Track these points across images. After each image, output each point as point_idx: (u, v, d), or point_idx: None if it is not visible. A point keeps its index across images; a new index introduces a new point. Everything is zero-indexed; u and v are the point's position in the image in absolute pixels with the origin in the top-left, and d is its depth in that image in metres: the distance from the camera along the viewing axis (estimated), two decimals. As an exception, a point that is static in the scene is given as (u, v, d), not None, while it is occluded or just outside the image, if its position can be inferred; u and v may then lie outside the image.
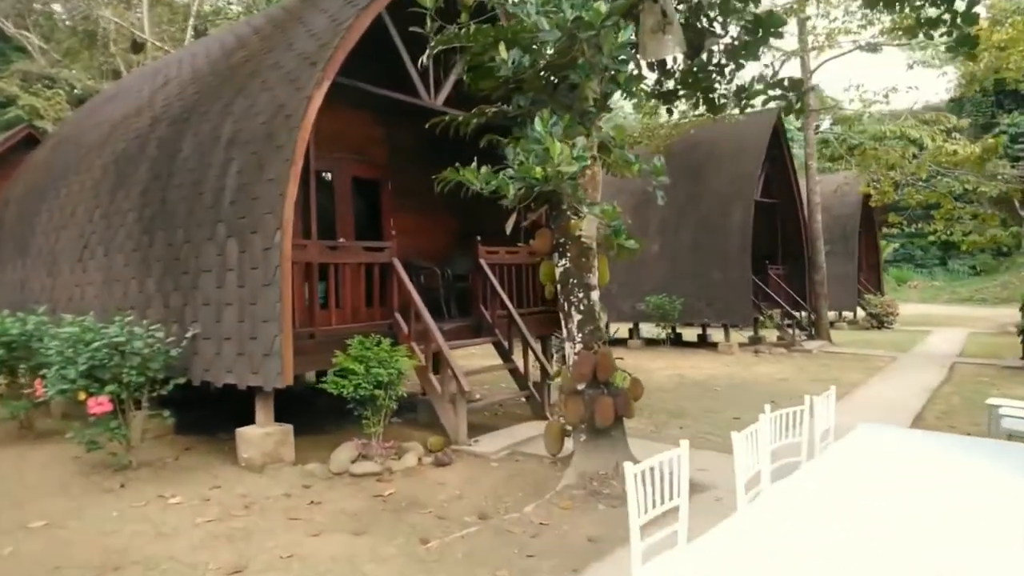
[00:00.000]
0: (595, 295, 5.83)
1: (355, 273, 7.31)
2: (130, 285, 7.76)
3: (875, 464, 3.62)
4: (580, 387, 5.56)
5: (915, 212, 20.56)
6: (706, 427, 8.44)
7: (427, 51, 5.20)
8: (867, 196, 23.00)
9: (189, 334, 6.74)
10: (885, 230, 26.18)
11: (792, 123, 24.87)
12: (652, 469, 2.82)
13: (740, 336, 16.93)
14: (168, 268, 7.23)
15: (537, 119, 4.25)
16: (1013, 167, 18.09)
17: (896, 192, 15.96)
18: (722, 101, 6.77)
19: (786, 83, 6.27)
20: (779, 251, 18.75)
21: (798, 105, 6.24)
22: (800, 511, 2.88)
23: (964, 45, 6.19)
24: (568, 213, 5.73)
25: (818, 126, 19.00)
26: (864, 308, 23.49)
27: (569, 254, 5.80)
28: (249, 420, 6.64)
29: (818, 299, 17.74)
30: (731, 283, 15.59)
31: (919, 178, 15.39)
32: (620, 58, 4.43)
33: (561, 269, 5.85)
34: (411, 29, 5.20)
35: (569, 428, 6.08)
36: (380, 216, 10.20)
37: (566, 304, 5.84)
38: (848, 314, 24.33)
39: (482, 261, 8.85)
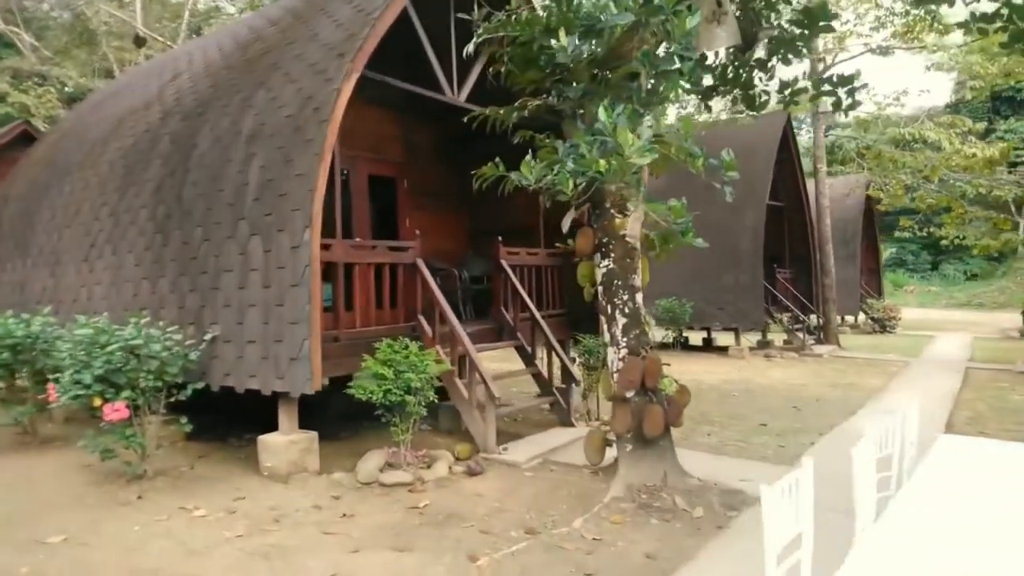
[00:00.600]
0: (640, 297, 5.59)
1: (379, 274, 7.02)
2: (142, 285, 7.43)
3: (980, 480, 3.38)
4: (629, 395, 5.30)
5: (923, 216, 20.45)
6: (734, 434, 8.22)
7: (473, 39, 4.93)
8: (868, 199, 23.00)
9: (208, 336, 6.43)
10: (897, 233, 26.13)
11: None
12: (787, 490, 2.56)
13: (748, 340, 16.75)
14: (184, 268, 6.91)
15: (601, 109, 4.00)
16: (1010, 172, 18.06)
17: (907, 196, 15.83)
18: (764, 98, 6.53)
19: (834, 79, 6.05)
20: (786, 254, 18.60)
21: (848, 102, 6.01)
22: (930, 540, 2.63)
23: (1020, 41, 5.99)
24: (612, 211, 5.48)
25: (828, 128, 18.85)
26: (866, 312, 23.41)
27: (613, 254, 5.54)
28: (261, 425, 6.37)
29: (827, 303, 17.59)
30: (742, 286, 15.41)
31: (931, 182, 15.26)
32: (687, 46, 4.19)
33: (604, 270, 5.60)
34: (458, 16, 4.93)
35: (611, 437, 5.82)
36: (395, 215, 9.91)
37: (609, 307, 5.59)
38: (850, 318, 24.25)
39: (503, 262, 8.59)
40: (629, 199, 5.34)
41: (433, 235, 9.82)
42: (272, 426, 6.36)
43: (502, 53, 5.67)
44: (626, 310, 5.50)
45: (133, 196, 7.85)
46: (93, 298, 8.20)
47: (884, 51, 15.12)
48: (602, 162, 3.88)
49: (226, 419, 7.95)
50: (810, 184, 18.24)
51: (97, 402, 5.76)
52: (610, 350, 5.60)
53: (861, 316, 23.90)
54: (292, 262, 5.87)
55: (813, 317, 18.03)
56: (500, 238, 8.66)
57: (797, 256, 18.84)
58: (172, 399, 6.23)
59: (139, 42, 18.36)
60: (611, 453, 5.99)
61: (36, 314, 7.79)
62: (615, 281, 5.51)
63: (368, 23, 6.34)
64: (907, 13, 13.59)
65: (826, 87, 6.01)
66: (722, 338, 17.69)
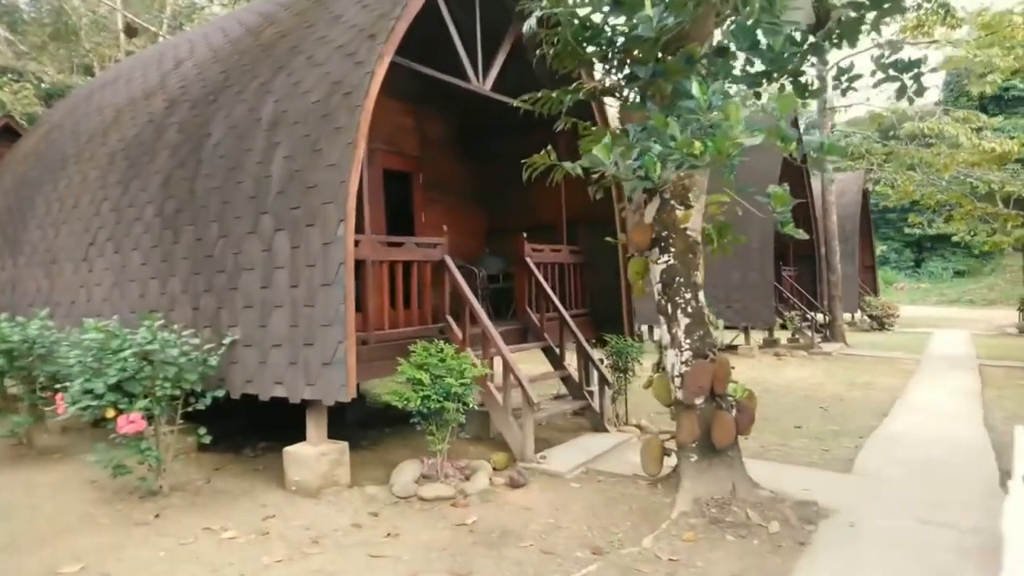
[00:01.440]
0: (702, 295, 5.21)
1: (407, 272, 6.59)
2: (149, 286, 6.92)
3: None
4: (698, 401, 4.91)
5: (930, 213, 20.32)
6: (772, 438, 7.87)
7: (533, 15, 4.52)
8: (866, 196, 22.87)
9: (227, 340, 5.95)
10: (907, 230, 26.04)
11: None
12: None
13: (755, 338, 16.50)
14: (198, 266, 6.42)
15: (696, 85, 3.61)
16: (1000, 169, 18.00)
17: (917, 192, 15.64)
18: (816, 85, 6.17)
19: (898, 64, 5.70)
20: (790, 252, 18.38)
21: (914, 87, 5.66)
22: None
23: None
24: (672, 203, 5.09)
25: (833, 125, 18.66)
26: (864, 310, 23.29)
27: (673, 249, 5.16)
28: (277, 433, 5.90)
29: (833, 300, 17.40)
30: (751, 284, 15.14)
31: (941, 178, 15.09)
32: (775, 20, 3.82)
33: (664, 266, 5.21)
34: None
35: (669, 446, 5.44)
36: (408, 210, 9.45)
37: (670, 306, 5.20)
38: (847, 315, 24.10)
39: (528, 259, 8.19)
40: (691, 189, 4.96)
41: (449, 232, 9.40)
42: (288, 434, 5.92)
43: (547, 35, 5.28)
44: (689, 309, 5.12)
45: (138, 190, 7.33)
46: (93, 299, 7.67)
47: (893, 46, 14.86)
48: (697, 144, 3.50)
49: (237, 427, 7.48)
50: (815, 181, 18.02)
51: (111, 413, 5.27)
52: (670, 352, 5.22)
53: (858, 314, 23.77)
54: (323, 259, 5.41)
55: (819, 315, 17.82)
56: (525, 235, 8.25)
57: (800, 254, 18.61)
58: (190, 408, 5.76)
59: (130, 32, 17.63)
60: (667, 462, 5.62)
61: (31, 317, 7.26)
62: (676, 278, 5.12)
63: (400, 2, 5.90)
64: (919, 7, 13.35)
65: (891, 72, 5.64)
66: (725, 336, 17.42)
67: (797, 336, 16.99)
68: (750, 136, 3.51)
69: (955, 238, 18.82)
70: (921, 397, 10.55)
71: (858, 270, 24.65)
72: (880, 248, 38.32)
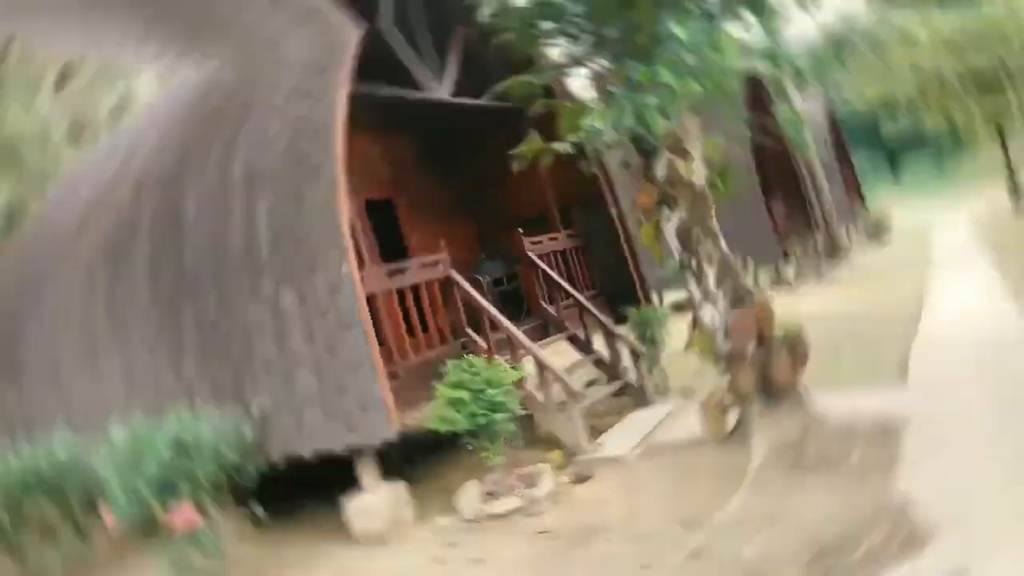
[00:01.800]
0: (723, 242, 5.06)
1: (417, 295, 6.43)
2: (162, 376, 6.69)
3: None
4: (749, 348, 4.76)
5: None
6: (815, 366, 7.68)
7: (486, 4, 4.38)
8: (833, 117, 22.73)
9: (256, 410, 5.75)
10: (885, 137, 25.94)
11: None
12: None
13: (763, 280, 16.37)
14: (207, 343, 6.22)
15: (678, 27, 3.47)
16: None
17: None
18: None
19: None
20: (777, 192, 18.21)
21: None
22: None
23: None
24: (671, 157, 4.94)
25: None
26: (859, 225, 23.24)
27: (682, 203, 5.01)
28: (320, 486, 5.72)
29: (830, 221, 17.30)
30: (748, 224, 15.00)
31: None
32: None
33: (677, 223, 5.06)
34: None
35: (726, 403, 5.28)
36: (398, 236, 9.29)
37: (693, 260, 5.05)
38: (843, 233, 23.96)
39: (531, 255, 8.05)
40: (685, 138, 4.83)
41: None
42: (334, 482, 5.71)
43: (501, 21, 5.15)
44: (713, 258, 4.97)
45: (126, 281, 7.08)
46: (110, 405, 7.43)
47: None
48: (695, 84, 3.35)
49: (280, 489, 7.27)
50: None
51: (159, 510, 5.07)
52: (706, 307, 5.06)
53: (855, 230, 23.67)
54: (335, 303, 5.24)
55: (819, 239, 17.71)
56: (521, 230, 8.11)
57: (787, 188, 18.46)
58: (235, 485, 5.56)
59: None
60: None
61: (46, 438, 7.02)
62: (693, 230, 4.97)
63: (343, 30, 5.73)
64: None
65: None
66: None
67: (803, 266, 16.88)
68: (756, 59, 3.36)
69: (931, 129, 18.73)
70: (949, 300, 10.43)
71: (843, 187, 24.56)
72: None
